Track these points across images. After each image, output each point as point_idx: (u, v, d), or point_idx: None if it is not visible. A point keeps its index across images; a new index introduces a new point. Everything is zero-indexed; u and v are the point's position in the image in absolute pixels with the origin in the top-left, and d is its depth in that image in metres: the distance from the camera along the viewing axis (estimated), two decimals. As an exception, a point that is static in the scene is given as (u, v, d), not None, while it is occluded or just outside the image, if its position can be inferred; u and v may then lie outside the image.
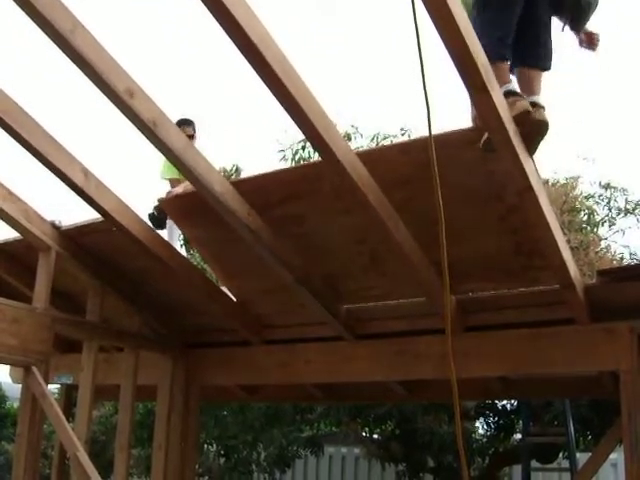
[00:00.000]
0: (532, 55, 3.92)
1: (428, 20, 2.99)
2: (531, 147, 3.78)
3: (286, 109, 3.79)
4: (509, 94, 3.65)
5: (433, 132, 3.25)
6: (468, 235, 4.74)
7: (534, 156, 3.91)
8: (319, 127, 3.86)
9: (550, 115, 3.75)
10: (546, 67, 3.95)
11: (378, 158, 4.47)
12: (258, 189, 4.92)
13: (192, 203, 5.37)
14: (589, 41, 4.10)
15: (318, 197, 4.90)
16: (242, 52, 3.43)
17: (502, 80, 3.65)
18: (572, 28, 4.09)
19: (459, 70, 3.24)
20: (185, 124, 6.90)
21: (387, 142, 10.52)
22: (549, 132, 3.75)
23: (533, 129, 3.69)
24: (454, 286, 4.54)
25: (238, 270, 5.95)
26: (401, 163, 4.42)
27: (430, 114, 3.15)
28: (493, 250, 4.93)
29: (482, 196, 4.51)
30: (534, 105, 3.71)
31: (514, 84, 3.80)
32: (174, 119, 4.29)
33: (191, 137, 6.97)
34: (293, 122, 3.93)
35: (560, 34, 4.08)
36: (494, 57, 3.54)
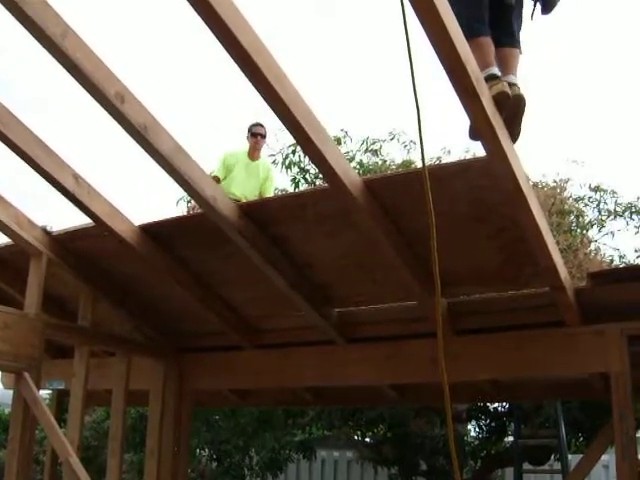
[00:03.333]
0: (506, 35, 3.96)
1: (418, 26, 3.02)
2: (514, 128, 3.80)
3: (277, 114, 3.81)
4: (489, 79, 3.66)
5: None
6: (458, 253, 4.79)
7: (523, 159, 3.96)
8: (309, 131, 3.88)
9: (526, 92, 3.78)
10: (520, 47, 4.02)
11: (374, 184, 4.52)
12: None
13: (173, 228, 5.55)
14: None
15: (301, 223, 4.98)
16: (233, 58, 3.44)
17: (484, 62, 3.67)
18: (542, 12, 4.13)
19: (449, 75, 3.27)
20: (259, 125, 7.67)
21: (376, 146, 10.54)
22: (527, 107, 3.78)
23: (511, 106, 3.71)
24: (445, 290, 4.57)
25: (229, 281, 5.96)
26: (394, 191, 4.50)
27: (423, 143, 3.18)
28: (483, 265, 4.99)
29: (471, 219, 4.59)
30: (510, 84, 3.72)
31: (496, 68, 3.79)
32: (165, 123, 4.29)
33: (263, 137, 7.82)
34: (284, 127, 3.95)
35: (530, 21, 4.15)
36: (469, 35, 3.52)
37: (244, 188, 7.51)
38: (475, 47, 3.55)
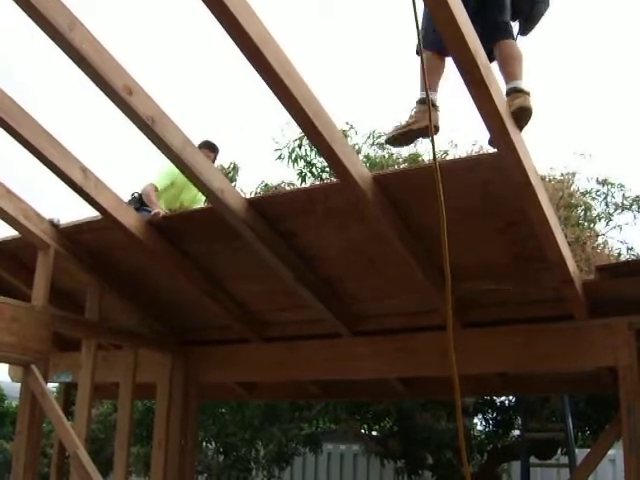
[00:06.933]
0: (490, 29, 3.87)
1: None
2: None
3: (286, 107, 3.80)
4: (420, 103, 3.88)
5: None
6: (468, 247, 4.78)
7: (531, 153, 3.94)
8: (319, 125, 3.87)
9: (534, 101, 3.74)
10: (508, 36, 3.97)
11: (383, 179, 4.51)
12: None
13: (181, 222, 5.57)
14: None
15: (310, 217, 4.98)
16: (242, 51, 3.43)
17: (430, 81, 3.83)
18: (522, 33, 4.18)
19: (458, 66, 3.25)
20: (208, 148, 6.62)
21: (383, 139, 10.49)
22: (531, 118, 3.74)
23: (517, 117, 3.68)
24: (454, 284, 4.56)
25: (236, 275, 5.96)
26: (403, 186, 4.49)
27: (433, 136, 3.17)
28: (493, 258, 4.98)
29: (480, 214, 4.58)
30: (518, 91, 3.70)
31: (435, 94, 3.93)
32: (173, 117, 4.28)
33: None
34: (293, 120, 3.94)
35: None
36: (423, 45, 3.61)
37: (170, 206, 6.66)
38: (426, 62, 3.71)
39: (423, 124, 3.82)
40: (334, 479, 13.58)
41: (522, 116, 3.69)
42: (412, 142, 4.00)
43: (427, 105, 3.64)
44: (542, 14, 4.10)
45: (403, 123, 4.00)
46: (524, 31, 4.15)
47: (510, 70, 3.79)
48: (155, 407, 7.19)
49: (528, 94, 3.71)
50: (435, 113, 3.87)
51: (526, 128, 3.78)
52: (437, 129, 3.90)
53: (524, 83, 3.78)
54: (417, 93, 3.97)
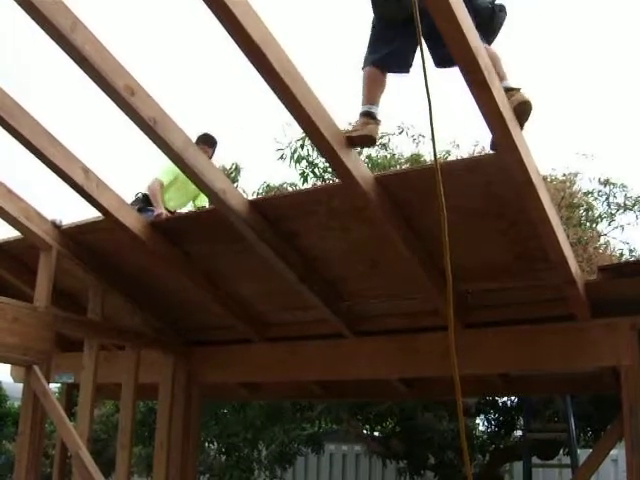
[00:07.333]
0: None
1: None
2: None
3: (287, 108, 3.79)
4: (364, 114, 4.03)
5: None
6: (470, 248, 4.77)
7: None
8: (320, 125, 3.86)
9: (529, 94, 3.75)
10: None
11: (385, 180, 4.51)
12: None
13: (183, 223, 5.61)
14: None
15: (313, 218, 4.97)
16: (244, 51, 3.42)
17: (368, 95, 4.03)
18: (485, 42, 4.16)
19: (460, 67, 3.25)
20: (206, 143, 6.49)
21: (385, 140, 10.49)
22: (532, 112, 3.75)
23: (517, 113, 3.69)
24: (455, 284, 4.56)
25: (238, 275, 5.96)
26: (405, 187, 4.49)
27: (434, 136, 3.17)
28: (495, 259, 4.98)
29: (482, 214, 4.57)
30: (510, 89, 3.71)
31: (376, 108, 4.06)
32: (174, 117, 4.27)
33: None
34: (295, 121, 3.94)
35: None
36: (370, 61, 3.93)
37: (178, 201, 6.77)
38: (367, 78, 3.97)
39: (360, 133, 4.03)
40: (336, 480, 13.60)
41: (523, 110, 3.71)
42: (354, 147, 4.14)
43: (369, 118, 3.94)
44: (502, 24, 4.12)
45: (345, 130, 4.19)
46: (485, 42, 4.17)
47: (496, 72, 3.81)
48: (157, 407, 7.19)
49: (519, 90, 3.73)
50: (375, 126, 4.05)
51: (527, 127, 3.79)
52: (374, 140, 4.12)
53: (512, 82, 3.80)
54: (360, 106, 4.10)
